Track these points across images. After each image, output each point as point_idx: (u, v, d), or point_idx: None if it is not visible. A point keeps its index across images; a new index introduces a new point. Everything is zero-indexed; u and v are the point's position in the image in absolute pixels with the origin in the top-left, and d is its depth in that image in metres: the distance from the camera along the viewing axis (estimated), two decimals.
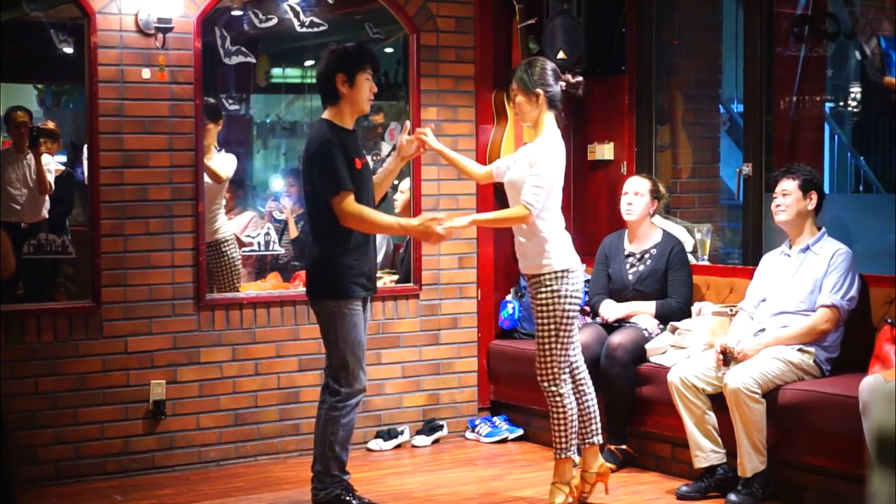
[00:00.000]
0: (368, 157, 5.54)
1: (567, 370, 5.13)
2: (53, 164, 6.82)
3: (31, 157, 6.66)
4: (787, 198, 5.47)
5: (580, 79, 5.27)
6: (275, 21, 6.43)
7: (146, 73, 5.90)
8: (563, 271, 5.05)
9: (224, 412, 6.17)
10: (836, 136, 8.05)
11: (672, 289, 6.06)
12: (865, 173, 8.22)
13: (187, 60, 5.98)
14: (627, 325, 6.02)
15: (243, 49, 6.41)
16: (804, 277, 5.41)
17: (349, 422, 5.04)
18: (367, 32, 6.93)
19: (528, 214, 4.99)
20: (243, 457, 6.22)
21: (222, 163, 6.67)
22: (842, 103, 8.06)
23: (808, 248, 5.47)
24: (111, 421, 5.90)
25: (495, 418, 6.81)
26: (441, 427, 6.69)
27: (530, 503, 5.44)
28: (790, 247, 5.55)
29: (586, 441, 5.30)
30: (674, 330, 5.86)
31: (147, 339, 5.96)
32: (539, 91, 5.07)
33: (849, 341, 5.40)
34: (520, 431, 6.73)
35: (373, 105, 5.18)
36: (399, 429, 6.57)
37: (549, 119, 5.11)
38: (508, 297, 6.92)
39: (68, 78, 8.12)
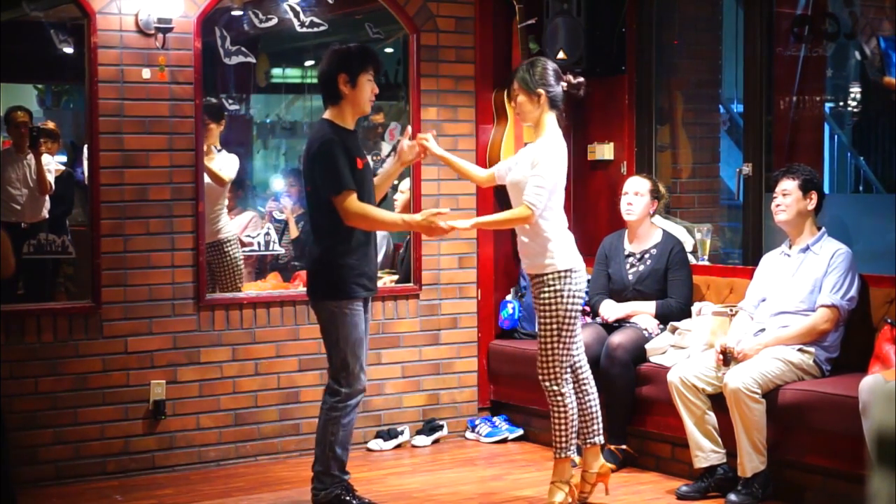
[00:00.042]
0: (368, 157, 5.55)
1: (568, 369, 5.14)
2: (53, 164, 6.82)
3: (31, 157, 6.66)
4: (787, 198, 5.47)
5: (581, 79, 5.28)
6: (275, 21, 6.43)
7: (146, 73, 5.90)
8: (566, 271, 5.05)
9: (224, 412, 6.17)
10: (836, 136, 8.05)
11: (672, 289, 6.06)
12: (865, 173, 8.22)
13: (187, 60, 5.98)
14: (627, 325, 6.03)
15: (243, 49, 6.41)
16: (804, 277, 5.41)
17: (349, 422, 5.04)
18: (367, 32, 6.93)
19: (530, 215, 5.00)
20: (243, 457, 6.22)
21: (224, 164, 6.67)
22: (842, 103, 8.06)
23: (807, 248, 5.47)
24: (111, 421, 5.90)
25: (495, 418, 6.81)
26: (441, 427, 6.69)
27: (530, 503, 5.44)
28: (790, 247, 5.55)
29: (587, 441, 5.30)
30: (674, 330, 5.86)
31: (147, 339, 5.96)
32: (541, 91, 5.07)
33: (849, 341, 5.40)
34: (520, 431, 6.73)
35: (373, 105, 5.18)
36: (399, 429, 6.58)
37: (550, 119, 5.12)
38: (508, 297, 6.92)
39: (68, 78, 8.12)
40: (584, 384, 5.28)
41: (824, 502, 5.12)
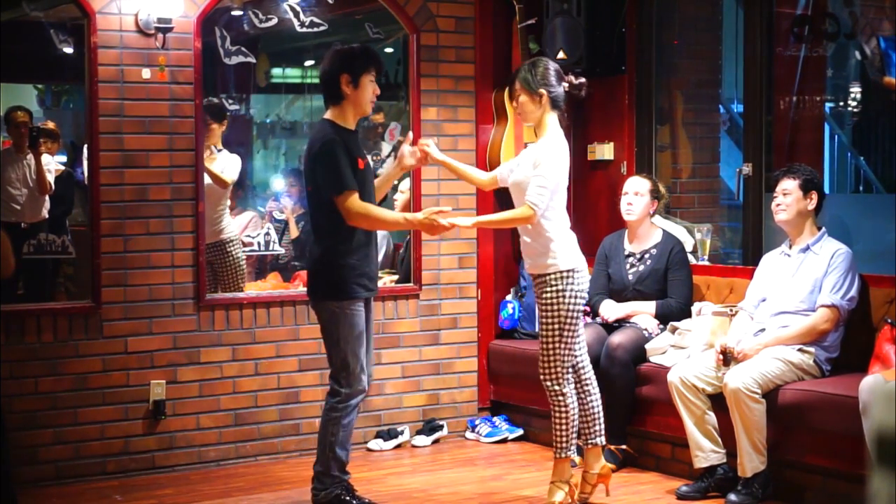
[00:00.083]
0: (369, 157, 5.55)
1: (570, 369, 5.14)
2: (53, 164, 6.82)
3: (31, 157, 6.66)
4: (788, 197, 5.47)
5: (583, 80, 5.29)
6: (275, 21, 6.43)
7: (146, 73, 5.90)
8: (568, 271, 5.05)
9: (224, 412, 6.17)
10: (836, 136, 8.06)
11: (672, 289, 6.06)
12: (865, 173, 8.23)
13: (187, 60, 5.98)
14: (627, 325, 6.03)
15: (243, 49, 6.42)
16: (804, 277, 5.41)
17: (349, 422, 5.04)
18: (367, 32, 6.93)
19: (532, 215, 5.00)
20: (243, 457, 6.22)
21: (226, 166, 6.67)
22: (842, 103, 8.06)
23: (808, 247, 5.47)
24: (111, 421, 5.90)
25: (495, 418, 6.81)
26: (441, 427, 6.69)
27: (530, 503, 5.44)
28: (790, 247, 5.55)
29: (589, 442, 5.30)
30: (674, 330, 5.86)
31: (147, 339, 5.96)
32: (542, 91, 5.08)
33: (849, 341, 5.40)
34: (520, 431, 6.73)
35: (373, 105, 5.18)
36: (399, 429, 6.58)
37: (552, 119, 5.12)
38: (508, 297, 6.92)
39: (68, 78, 8.12)
40: (587, 384, 5.28)
41: (824, 502, 5.12)
